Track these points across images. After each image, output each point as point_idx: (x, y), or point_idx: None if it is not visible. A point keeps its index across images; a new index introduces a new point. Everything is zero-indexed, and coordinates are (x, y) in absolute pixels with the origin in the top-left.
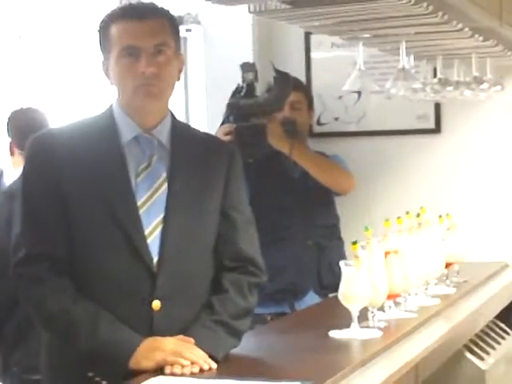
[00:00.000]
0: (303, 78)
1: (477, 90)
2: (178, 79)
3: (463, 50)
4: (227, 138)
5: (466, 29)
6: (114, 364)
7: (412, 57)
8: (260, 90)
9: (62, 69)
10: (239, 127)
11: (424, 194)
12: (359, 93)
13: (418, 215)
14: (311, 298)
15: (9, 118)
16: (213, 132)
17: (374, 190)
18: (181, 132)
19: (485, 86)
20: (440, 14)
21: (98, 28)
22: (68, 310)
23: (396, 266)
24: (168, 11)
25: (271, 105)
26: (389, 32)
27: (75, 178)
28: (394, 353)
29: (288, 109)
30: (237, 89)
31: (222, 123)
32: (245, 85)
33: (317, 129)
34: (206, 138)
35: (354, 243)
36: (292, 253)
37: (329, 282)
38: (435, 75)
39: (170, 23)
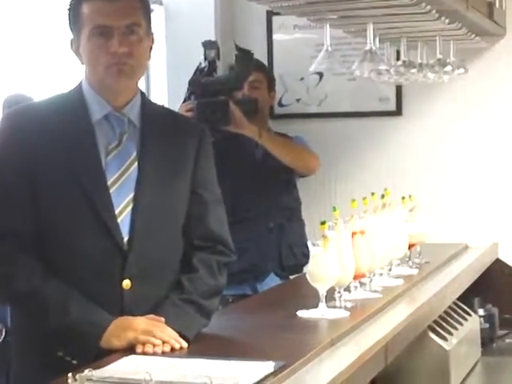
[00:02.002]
0: (265, 60)
1: (440, 72)
2: (149, 58)
3: (428, 32)
4: (189, 115)
5: (434, 11)
6: (84, 343)
7: (377, 39)
8: (222, 68)
9: (28, 47)
10: (200, 103)
11: (385, 175)
12: (321, 74)
13: (383, 196)
14: (272, 280)
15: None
16: (174, 109)
17: (335, 172)
18: (151, 111)
19: (448, 68)
20: None
21: (68, 6)
22: (37, 289)
23: (362, 246)
24: None
25: (233, 82)
26: (357, 13)
27: (45, 156)
28: (362, 333)
29: (247, 87)
30: (198, 67)
31: (184, 101)
32: (207, 63)
33: (278, 110)
34: (176, 116)
35: (323, 223)
36: (254, 234)
37: (289, 263)
38: (398, 58)
39: (141, 3)
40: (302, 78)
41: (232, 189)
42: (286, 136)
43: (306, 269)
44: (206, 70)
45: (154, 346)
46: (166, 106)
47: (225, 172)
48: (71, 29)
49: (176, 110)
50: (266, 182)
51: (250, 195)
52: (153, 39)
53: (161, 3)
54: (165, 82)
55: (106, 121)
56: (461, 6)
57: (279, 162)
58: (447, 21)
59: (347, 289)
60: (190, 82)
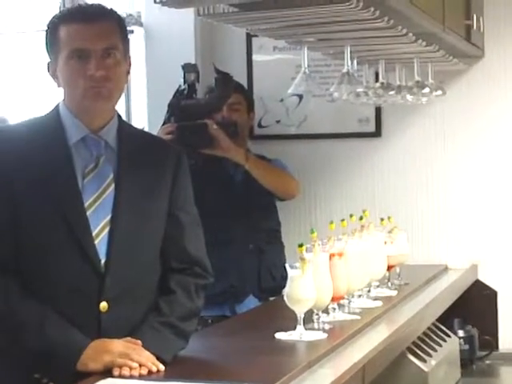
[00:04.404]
0: (245, 81)
1: (418, 94)
2: (127, 81)
3: (406, 54)
4: (169, 138)
5: (410, 34)
6: (61, 366)
7: (355, 61)
8: (201, 91)
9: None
10: (181, 126)
11: (365, 197)
12: (300, 96)
13: (361, 218)
14: (251, 302)
15: None
16: (154, 132)
17: (314, 194)
18: (127, 133)
19: (426, 90)
20: (386, 18)
21: (46, 29)
22: (14, 311)
23: (340, 268)
24: (117, 13)
25: (212, 105)
26: (334, 36)
27: (22, 179)
28: (340, 355)
29: (226, 109)
30: (178, 89)
31: (164, 123)
32: (186, 85)
33: (258, 131)
34: (153, 139)
35: (301, 245)
36: (233, 256)
37: (268, 285)
38: (377, 79)
39: (119, 26)
40: (282, 100)
41: (212, 210)
42: (264, 158)
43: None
44: (185, 92)
45: (131, 368)
46: (146, 128)
47: (205, 194)
48: (48, 52)
49: (156, 131)
50: (246, 203)
51: (230, 217)
52: (130, 62)
53: (141, 25)
54: (144, 104)
55: (83, 143)
56: (438, 29)
57: (259, 184)
58: (424, 43)
59: (325, 311)
60: (170, 105)
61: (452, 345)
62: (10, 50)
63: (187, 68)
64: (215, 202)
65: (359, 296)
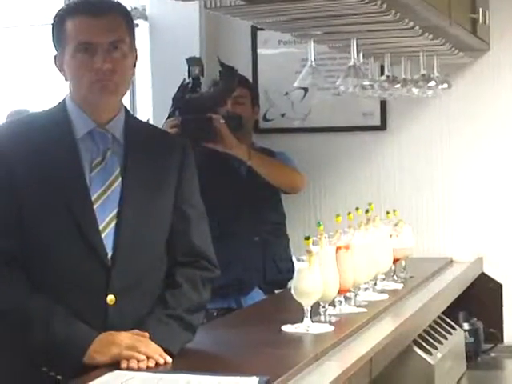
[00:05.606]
0: (249, 74)
1: (424, 87)
2: (133, 74)
3: (411, 47)
4: (173, 131)
5: (417, 27)
6: (68, 359)
7: (361, 54)
8: (206, 84)
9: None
10: (185, 120)
11: (370, 190)
12: (305, 89)
13: (367, 211)
14: (257, 294)
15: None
16: (158, 126)
17: (319, 187)
18: (134, 127)
19: (432, 83)
20: (393, 12)
21: (53, 22)
22: (22, 305)
23: (346, 261)
24: (124, 7)
25: (217, 99)
26: (340, 29)
27: (29, 173)
28: (346, 347)
29: (231, 103)
30: (183, 83)
31: (169, 117)
32: (191, 79)
33: (263, 125)
34: (159, 132)
35: (307, 238)
36: (238, 249)
37: (273, 278)
38: (382, 73)
39: (125, 19)
40: (287, 93)
41: (217, 203)
42: (269, 151)
43: (290, 283)
44: (190, 86)
45: (139, 361)
46: (151, 121)
47: (210, 187)
48: (55, 45)
49: (161, 125)
50: (251, 196)
51: (236, 210)
52: (136, 55)
53: (146, 18)
54: (149, 98)
55: (90, 137)
56: (444, 22)
57: (270, 182)
58: (431, 37)
59: (332, 303)
60: (174, 99)
61: (457, 338)
62: (16, 44)
63: (192, 62)
64: (220, 195)
65: (365, 289)
